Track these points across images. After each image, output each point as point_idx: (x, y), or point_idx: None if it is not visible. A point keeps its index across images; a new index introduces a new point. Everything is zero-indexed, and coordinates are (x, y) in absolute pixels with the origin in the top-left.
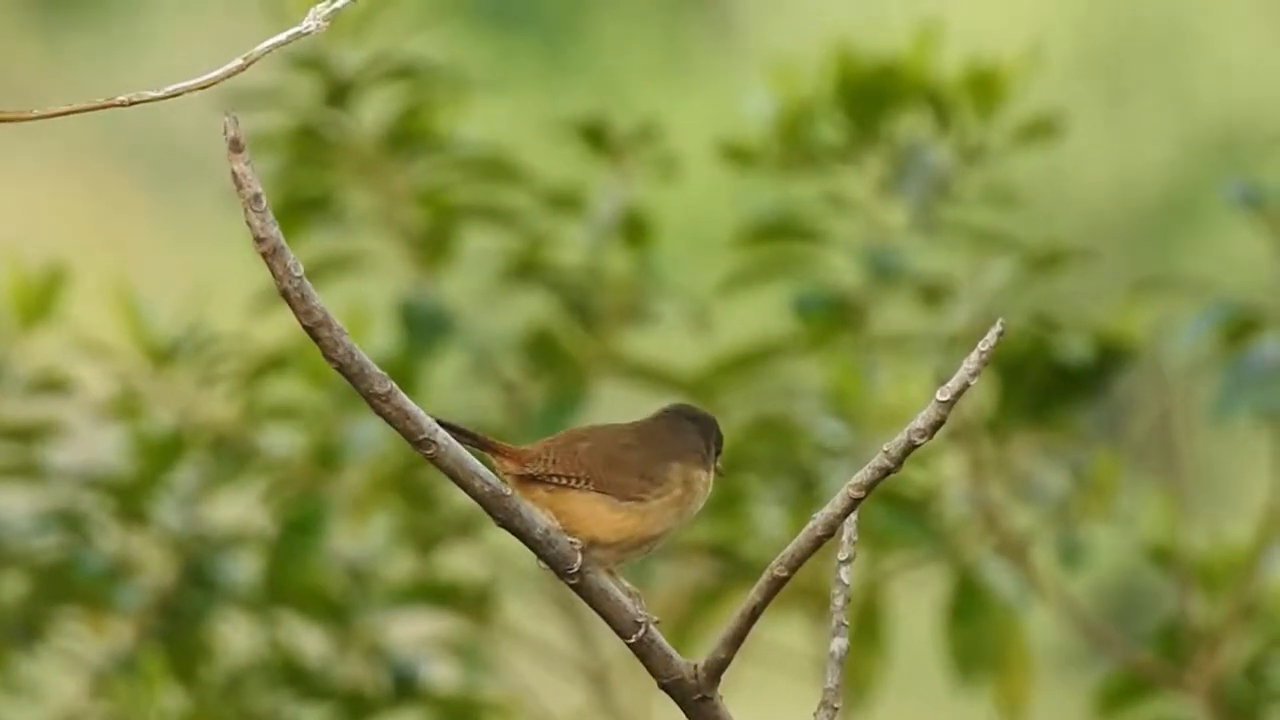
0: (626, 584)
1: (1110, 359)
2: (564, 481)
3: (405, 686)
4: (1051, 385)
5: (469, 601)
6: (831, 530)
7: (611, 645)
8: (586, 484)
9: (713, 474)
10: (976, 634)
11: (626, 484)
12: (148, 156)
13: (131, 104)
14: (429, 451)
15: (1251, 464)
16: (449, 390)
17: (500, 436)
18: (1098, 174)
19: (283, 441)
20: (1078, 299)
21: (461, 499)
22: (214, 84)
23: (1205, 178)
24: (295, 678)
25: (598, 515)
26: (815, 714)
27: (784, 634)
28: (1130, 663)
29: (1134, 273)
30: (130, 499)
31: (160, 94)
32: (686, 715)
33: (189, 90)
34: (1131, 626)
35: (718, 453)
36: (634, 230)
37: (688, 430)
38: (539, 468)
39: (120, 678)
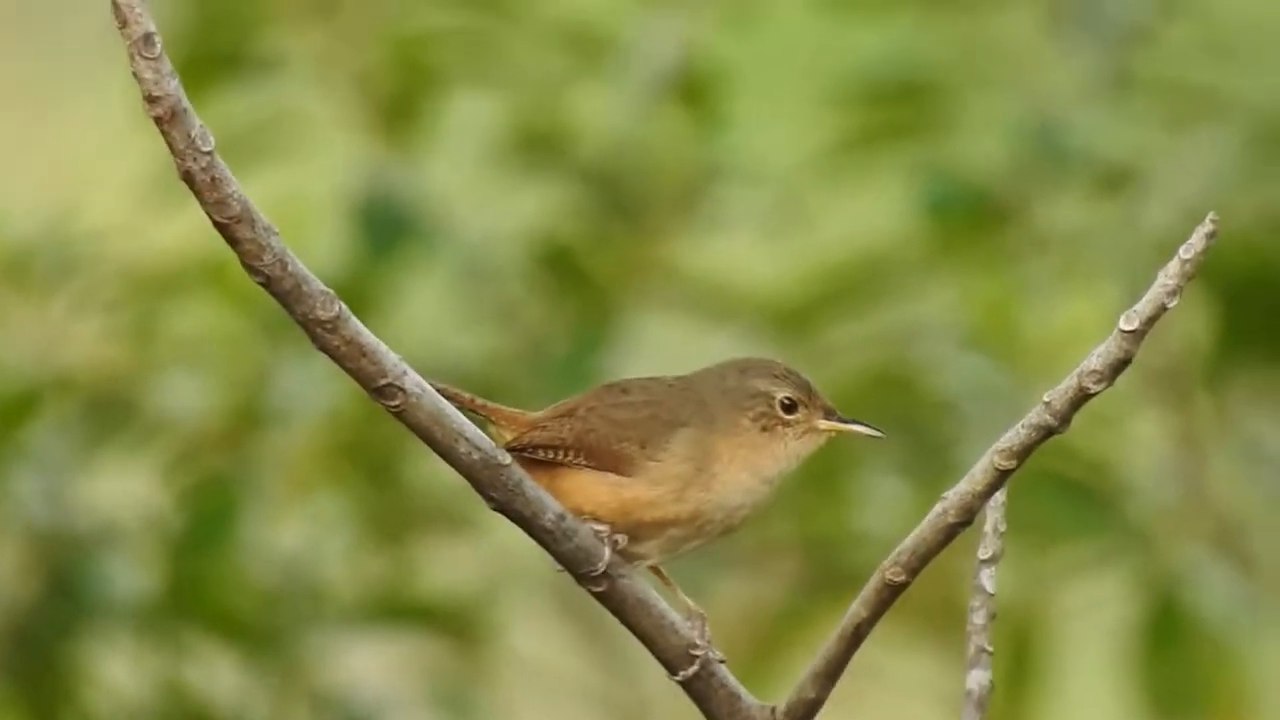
0: (689, 601)
1: None
2: (547, 454)
3: None
4: None
5: (454, 620)
6: (970, 516)
7: (654, 676)
8: (575, 455)
9: (789, 441)
10: (1181, 669)
11: (620, 454)
12: None
13: None
14: (394, 403)
15: None
16: (428, 319)
17: (504, 388)
18: None
19: (188, 394)
20: None
21: (444, 472)
22: None
23: None
24: None
25: (588, 493)
26: None
27: (904, 666)
28: None
29: None
30: None
31: None
32: None
33: None
34: None
35: (795, 407)
36: (693, 89)
37: (729, 384)
38: (527, 437)
39: None
